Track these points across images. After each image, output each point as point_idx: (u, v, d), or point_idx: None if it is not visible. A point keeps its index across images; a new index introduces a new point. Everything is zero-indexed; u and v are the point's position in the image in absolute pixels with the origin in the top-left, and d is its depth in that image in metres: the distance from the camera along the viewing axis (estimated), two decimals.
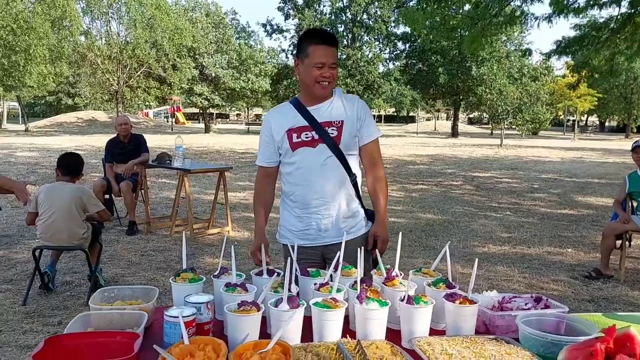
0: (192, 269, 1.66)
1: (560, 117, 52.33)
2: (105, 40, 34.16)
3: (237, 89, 36.66)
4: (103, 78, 35.12)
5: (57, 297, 4.33)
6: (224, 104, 39.01)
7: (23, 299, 4.13)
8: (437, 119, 56.23)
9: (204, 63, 35.61)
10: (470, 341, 1.45)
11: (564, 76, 42.36)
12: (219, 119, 53.47)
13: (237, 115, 66.74)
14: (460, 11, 7.71)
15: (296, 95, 2.44)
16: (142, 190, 6.92)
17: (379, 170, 2.43)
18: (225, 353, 1.24)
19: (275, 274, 1.71)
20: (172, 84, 34.70)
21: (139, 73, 34.60)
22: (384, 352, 1.36)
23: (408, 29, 37.53)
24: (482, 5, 7.29)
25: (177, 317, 1.34)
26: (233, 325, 1.39)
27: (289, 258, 1.59)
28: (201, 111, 41.80)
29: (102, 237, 4.72)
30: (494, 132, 40.94)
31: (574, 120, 48.57)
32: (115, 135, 7.05)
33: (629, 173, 5.59)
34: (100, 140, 20.98)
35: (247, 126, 42.46)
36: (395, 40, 40.96)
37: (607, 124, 61.18)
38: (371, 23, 39.92)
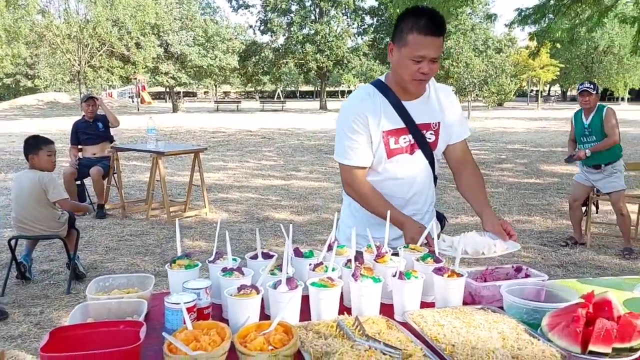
0: (187, 255, 1.69)
1: (524, 88, 53.19)
2: (64, 19, 32.97)
3: (205, 67, 36.08)
4: (63, 58, 34.03)
5: (36, 287, 4.29)
6: (191, 82, 38.40)
7: (1, 290, 4.08)
8: None
9: (168, 41, 34.86)
10: (459, 312, 1.53)
11: (527, 47, 42.93)
12: (186, 98, 52.56)
13: (205, 93, 65.69)
14: None
15: (383, 79, 2.07)
16: (115, 175, 6.83)
17: (475, 167, 2.17)
18: (229, 336, 1.27)
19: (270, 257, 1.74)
20: (137, 62, 33.87)
21: (101, 52, 33.63)
22: (380, 327, 1.42)
23: (376, 3, 37.37)
24: None
25: (179, 303, 1.37)
26: (234, 308, 1.43)
27: (287, 240, 1.62)
28: (167, 90, 41.03)
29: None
30: (461, 104, 41.54)
31: (537, 91, 49.44)
32: (81, 116, 6.94)
33: (576, 111, 5.58)
34: (65, 123, 20.43)
35: (216, 104, 41.89)
36: (363, 15, 40.73)
37: (568, 93, 62.44)
38: None
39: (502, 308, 1.58)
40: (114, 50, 33.80)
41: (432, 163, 2.11)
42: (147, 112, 32.55)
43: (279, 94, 58.30)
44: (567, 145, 5.97)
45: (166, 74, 35.71)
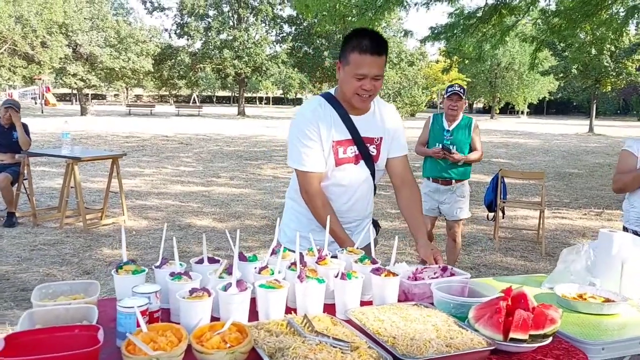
0: (132, 261, 1.70)
1: (435, 100, 55.86)
2: None
3: (117, 69, 34.56)
4: None
5: None
6: (101, 84, 36.61)
7: None
8: None
9: (77, 41, 33.03)
10: (396, 308, 1.67)
11: (437, 61, 45.21)
12: (95, 100, 49.92)
13: (115, 96, 62.85)
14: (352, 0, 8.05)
15: (333, 93, 2.20)
16: (25, 181, 6.44)
17: (413, 186, 2.32)
18: (186, 336, 1.32)
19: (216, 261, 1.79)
20: (42, 62, 31.79)
21: (2, 50, 31.26)
22: (326, 324, 1.53)
23: (294, 12, 37.77)
24: None
25: (132, 307, 1.39)
26: (187, 311, 1.47)
27: (236, 246, 1.68)
28: (74, 92, 38.86)
29: None
30: None
31: None
32: None
33: (435, 114, 4.96)
34: None
35: (129, 108, 40.30)
36: (282, 23, 41.00)
37: (474, 105, 66.35)
38: (257, 4, 39.53)
39: (432, 304, 1.74)
40: (17, 48, 31.53)
41: (373, 174, 2.26)
42: (52, 115, 30.75)
43: (194, 99, 57.17)
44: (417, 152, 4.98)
45: (74, 75, 33.75)
